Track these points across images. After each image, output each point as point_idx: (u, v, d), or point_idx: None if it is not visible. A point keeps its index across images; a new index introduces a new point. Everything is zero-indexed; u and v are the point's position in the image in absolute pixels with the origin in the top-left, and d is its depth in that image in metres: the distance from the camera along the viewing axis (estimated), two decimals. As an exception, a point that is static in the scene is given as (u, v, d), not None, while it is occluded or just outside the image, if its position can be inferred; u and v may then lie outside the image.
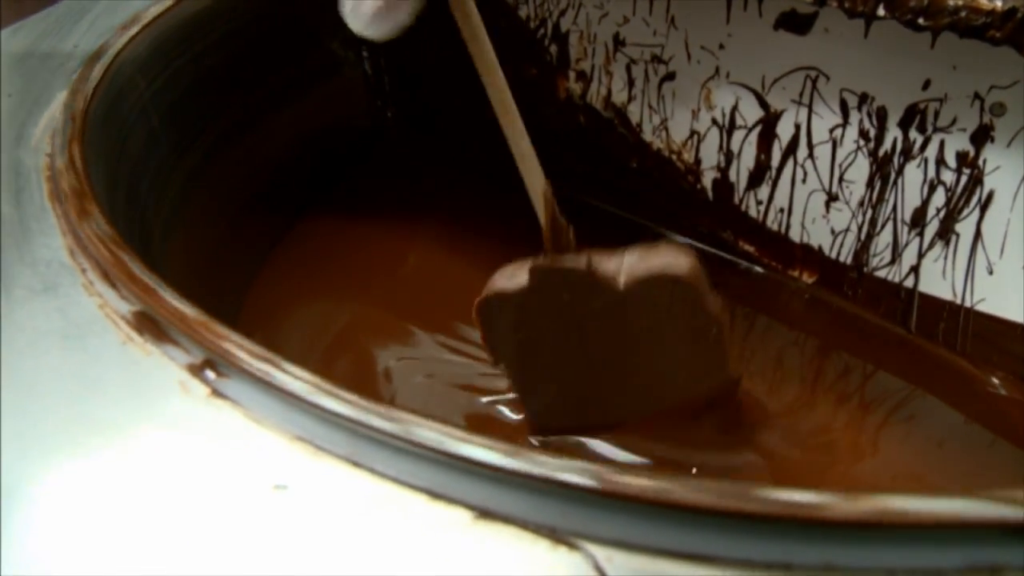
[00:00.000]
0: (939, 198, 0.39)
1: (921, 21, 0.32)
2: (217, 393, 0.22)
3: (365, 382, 0.40)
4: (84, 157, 0.29)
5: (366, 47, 0.52)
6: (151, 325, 0.24)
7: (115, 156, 0.34)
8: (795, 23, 0.37)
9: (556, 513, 0.19)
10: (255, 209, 0.46)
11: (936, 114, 0.37)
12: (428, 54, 0.51)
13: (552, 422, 0.38)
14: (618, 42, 0.42)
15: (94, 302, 0.25)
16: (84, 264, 0.26)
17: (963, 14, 0.31)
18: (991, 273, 0.40)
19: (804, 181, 0.42)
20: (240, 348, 0.22)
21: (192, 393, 0.23)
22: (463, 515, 0.20)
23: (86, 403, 0.23)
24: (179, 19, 0.39)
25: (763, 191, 0.43)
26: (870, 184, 0.40)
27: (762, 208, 0.44)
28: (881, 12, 0.32)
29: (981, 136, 0.37)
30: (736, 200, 0.44)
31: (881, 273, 0.43)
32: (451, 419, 0.22)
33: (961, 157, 0.38)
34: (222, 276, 0.42)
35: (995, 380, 0.41)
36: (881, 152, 0.39)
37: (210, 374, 0.23)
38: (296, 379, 0.21)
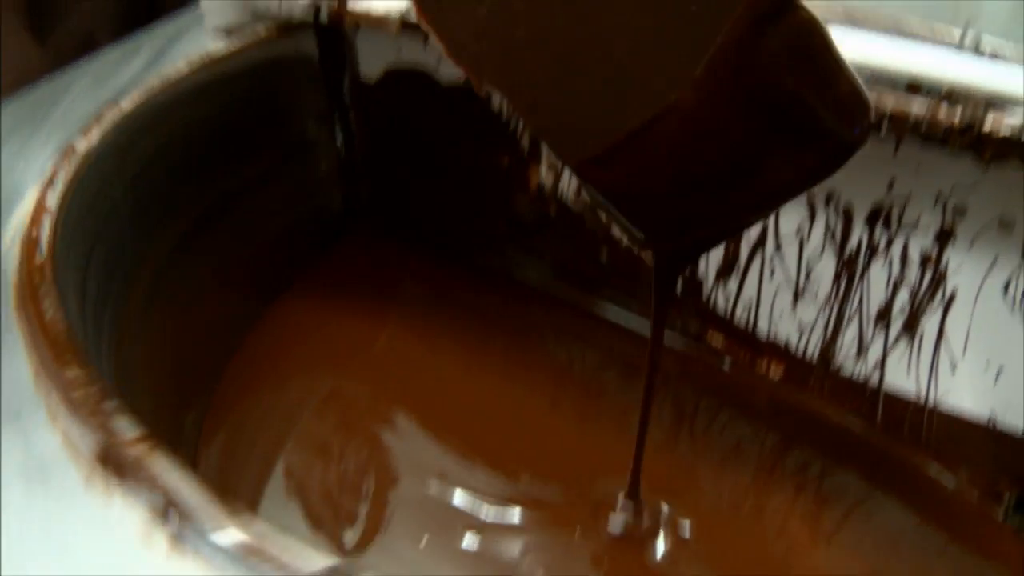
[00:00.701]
0: (904, 296, 0.40)
1: (884, 131, 0.33)
2: (177, 544, 0.22)
3: (339, 474, 0.40)
4: (53, 266, 0.29)
5: (340, 127, 0.53)
6: (113, 465, 0.24)
7: (85, 253, 0.33)
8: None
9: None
10: (227, 295, 0.45)
11: (900, 213, 0.38)
12: (401, 137, 0.52)
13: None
14: (590, 137, 0.43)
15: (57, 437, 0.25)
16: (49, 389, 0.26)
17: (924, 127, 0.32)
18: (954, 371, 0.41)
19: (772, 276, 0.42)
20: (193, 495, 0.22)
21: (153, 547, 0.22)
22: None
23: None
24: (151, 108, 0.39)
25: (731, 285, 0.43)
26: (836, 280, 0.41)
27: (730, 302, 0.44)
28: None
29: (943, 236, 0.38)
30: (704, 295, 0.45)
31: (847, 368, 0.43)
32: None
33: (924, 256, 0.39)
34: (194, 364, 0.42)
35: (953, 481, 0.41)
36: (847, 249, 0.40)
37: (170, 523, 0.22)
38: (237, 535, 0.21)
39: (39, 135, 0.39)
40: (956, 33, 0.44)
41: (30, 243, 0.30)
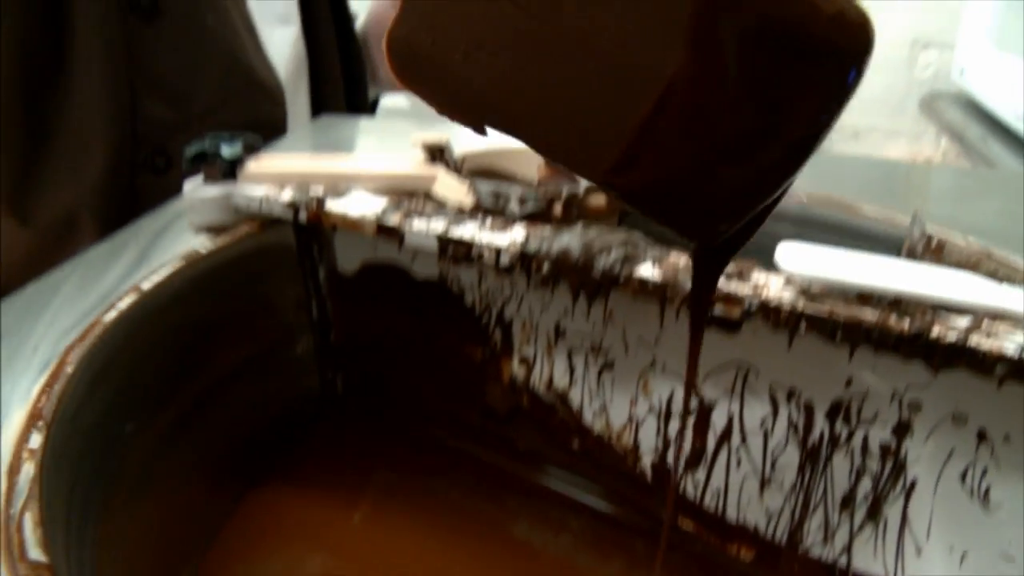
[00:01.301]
0: (866, 484, 0.41)
1: (839, 338, 0.35)
2: None
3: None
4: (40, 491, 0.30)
5: (318, 316, 0.54)
6: None
7: (72, 459, 0.34)
8: (724, 325, 0.40)
9: None
10: (208, 484, 0.46)
11: (859, 409, 0.40)
12: (378, 327, 0.53)
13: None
14: (559, 332, 0.45)
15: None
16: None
17: (875, 335, 0.34)
18: (919, 554, 0.42)
19: (739, 466, 0.44)
20: None
21: None
22: None
23: None
24: (136, 317, 0.41)
25: (700, 474, 0.45)
26: (801, 470, 0.42)
27: (699, 490, 0.45)
28: (802, 330, 0.35)
29: (901, 429, 0.39)
30: (674, 483, 0.46)
31: (815, 552, 0.44)
32: None
33: (884, 448, 0.40)
34: (174, 552, 0.42)
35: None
36: (810, 441, 0.41)
37: None
38: None
39: (26, 347, 0.40)
40: (906, 219, 0.47)
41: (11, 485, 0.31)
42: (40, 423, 0.33)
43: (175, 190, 0.54)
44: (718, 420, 0.43)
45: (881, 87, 1.90)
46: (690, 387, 0.35)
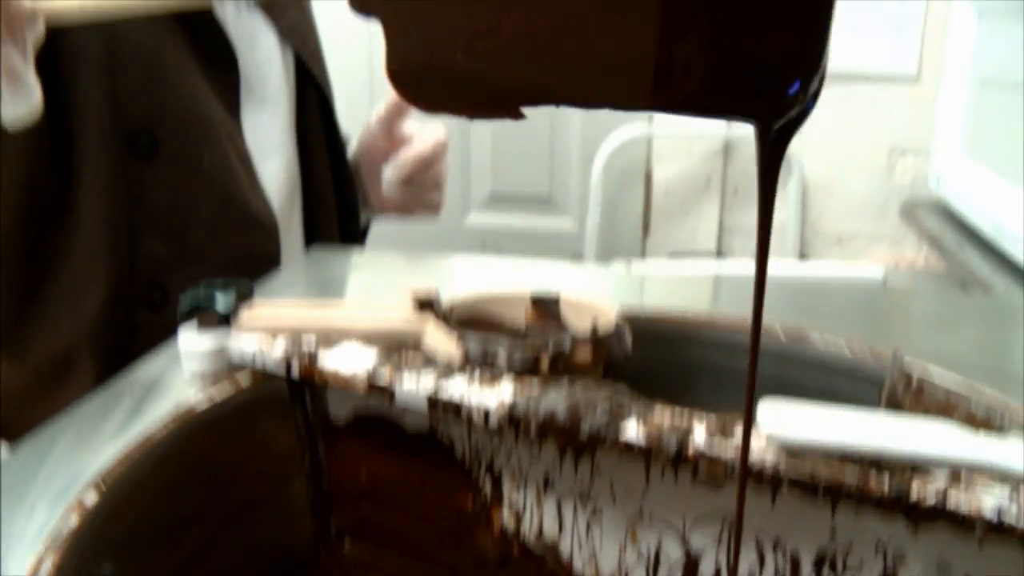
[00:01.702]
0: (856, 633, 0.42)
1: (821, 496, 0.36)
2: None
3: None
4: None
5: (311, 463, 0.55)
6: None
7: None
8: (710, 480, 0.41)
9: None
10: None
11: (844, 558, 0.40)
12: (370, 472, 0.54)
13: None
14: (548, 482, 0.46)
15: None
16: None
17: (856, 494, 0.35)
18: None
19: (729, 614, 0.44)
20: None
21: None
22: None
23: None
24: (132, 478, 0.41)
25: (691, 623, 0.45)
26: (791, 618, 0.43)
27: (691, 638, 0.45)
28: (784, 489, 0.36)
29: (887, 578, 0.40)
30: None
31: None
32: None
33: (871, 597, 0.41)
34: None
35: None
36: (798, 591, 0.42)
37: None
38: None
39: (23, 508, 0.40)
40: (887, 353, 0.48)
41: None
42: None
43: (171, 326, 0.55)
44: (706, 569, 0.44)
45: (862, 193, 1.94)
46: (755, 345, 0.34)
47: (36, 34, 0.49)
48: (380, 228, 1.09)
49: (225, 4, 0.86)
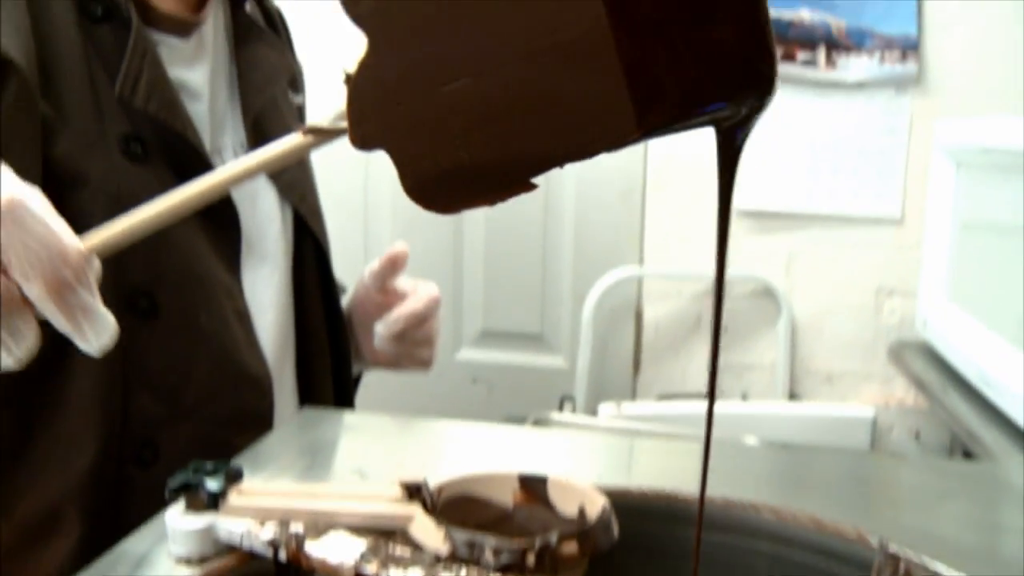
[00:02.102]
0: None
1: None
2: None
3: None
4: None
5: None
6: None
7: None
8: None
9: None
10: None
11: None
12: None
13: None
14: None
15: None
16: None
17: None
18: None
19: None
20: None
21: None
22: None
23: None
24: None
25: None
26: None
27: None
28: None
29: None
30: None
31: None
32: None
33: None
34: None
35: None
36: None
37: None
38: None
39: None
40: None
41: None
42: None
43: (160, 485, 0.55)
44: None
45: (850, 333, 1.96)
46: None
47: (96, 270, 0.52)
48: (372, 376, 1.10)
49: (225, 161, 0.89)
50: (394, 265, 0.97)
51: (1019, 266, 1.29)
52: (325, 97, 0.97)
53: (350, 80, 0.41)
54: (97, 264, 0.52)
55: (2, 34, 0.70)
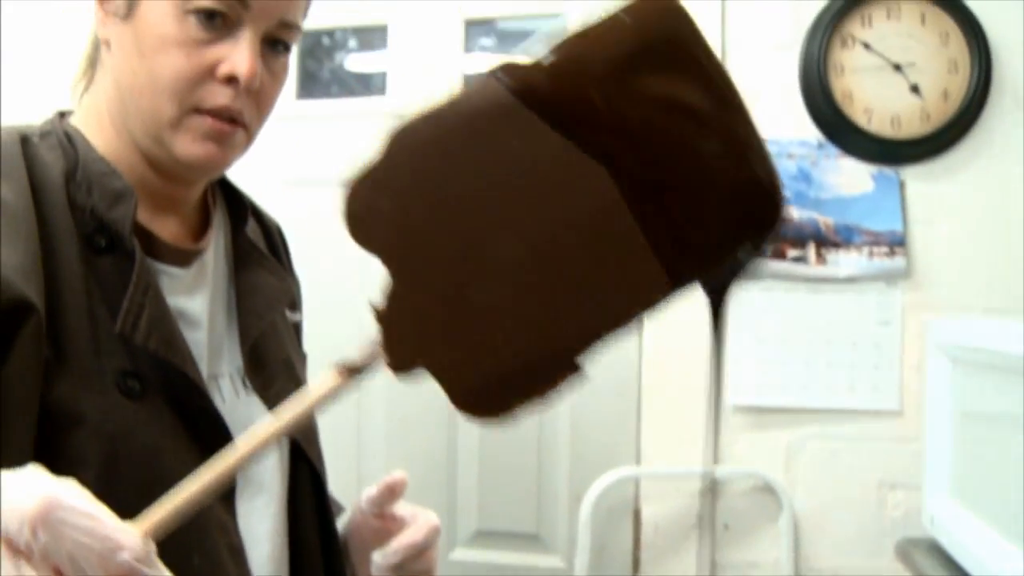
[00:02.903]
0: None
1: None
2: None
3: None
4: None
5: None
6: None
7: None
8: None
9: None
10: None
11: None
12: None
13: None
14: None
15: None
16: None
17: None
18: None
19: None
20: None
21: None
22: None
23: None
24: None
25: None
26: None
27: None
28: None
29: None
30: None
31: None
32: None
33: None
34: None
35: None
36: None
37: None
38: None
39: None
40: None
41: None
42: None
43: None
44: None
45: (855, 528, 1.91)
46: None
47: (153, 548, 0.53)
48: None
49: (223, 389, 0.87)
50: (392, 493, 0.94)
51: (1020, 460, 1.27)
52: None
53: (380, 314, 0.43)
54: (153, 547, 0.53)
55: (23, 278, 0.70)
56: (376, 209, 0.44)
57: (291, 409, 0.51)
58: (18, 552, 0.47)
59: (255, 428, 0.53)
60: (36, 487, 0.49)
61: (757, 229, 0.44)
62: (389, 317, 0.42)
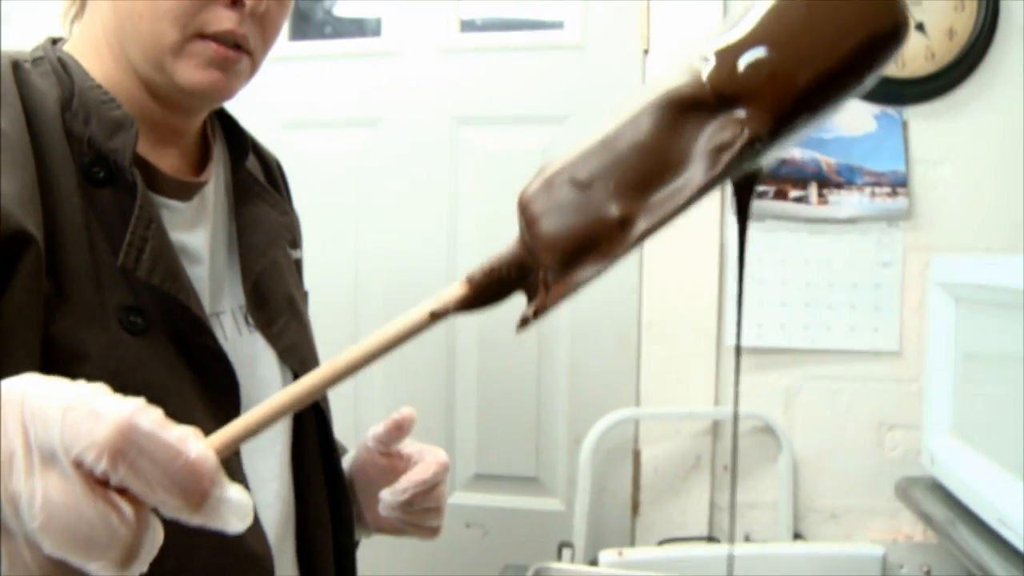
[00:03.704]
0: None
1: None
2: None
3: None
4: None
5: None
6: None
7: None
8: None
9: None
10: None
11: None
12: None
13: None
14: None
15: None
16: None
17: None
18: None
19: None
20: None
21: None
22: None
23: None
24: None
25: None
26: None
27: None
28: None
29: None
30: None
31: None
32: None
33: None
34: None
35: None
36: None
37: None
38: None
39: None
40: None
41: None
42: None
43: None
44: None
45: (853, 469, 1.92)
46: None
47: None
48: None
49: (224, 326, 0.86)
50: (400, 430, 0.93)
51: (1022, 397, 1.27)
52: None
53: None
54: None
55: (21, 209, 0.67)
56: None
57: (371, 342, 0.50)
58: (96, 484, 0.44)
59: (336, 357, 0.51)
60: (112, 411, 0.45)
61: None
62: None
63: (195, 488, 0.45)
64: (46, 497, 0.43)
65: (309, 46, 2.15)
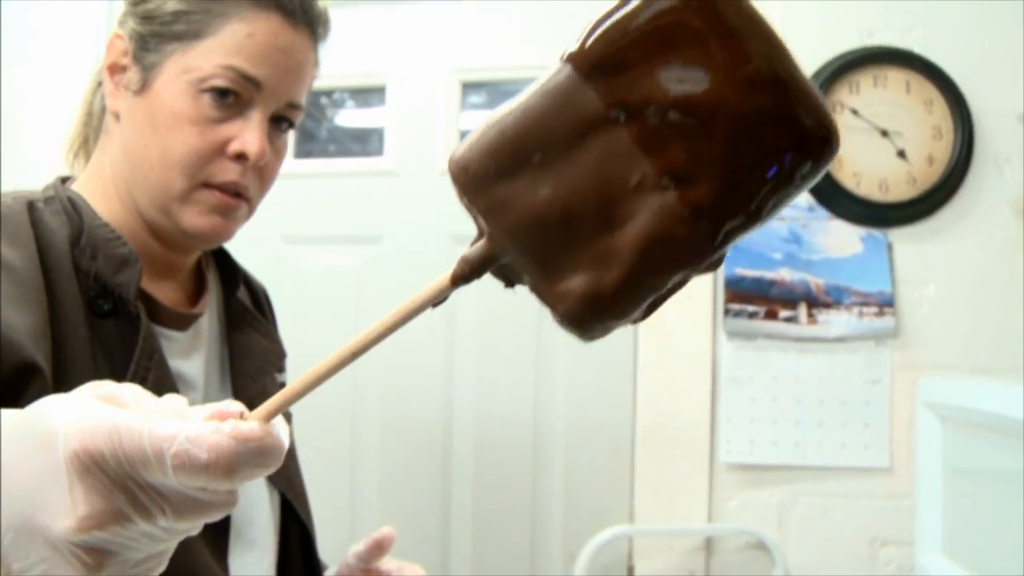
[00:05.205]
0: None
1: None
2: None
3: None
4: None
5: None
6: None
7: None
8: None
9: None
10: None
11: None
12: None
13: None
14: None
15: None
16: None
17: None
18: None
19: None
20: None
21: None
22: None
23: None
24: None
25: None
26: None
27: None
28: None
29: None
30: None
31: None
32: None
33: None
34: None
35: None
36: None
37: None
38: None
39: None
40: None
41: None
42: None
43: None
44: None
45: (847, 586, 1.91)
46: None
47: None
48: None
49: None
50: (380, 548, 0.96)
51: (1013, 515, 1.28)
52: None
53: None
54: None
55: (32, 342, 0.72)
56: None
57: (400, 308, 0.52)
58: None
59: (367, 328, 0.52)
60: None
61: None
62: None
63: (192, 459, 0.41)
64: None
65: (313, 164, 2.23)
